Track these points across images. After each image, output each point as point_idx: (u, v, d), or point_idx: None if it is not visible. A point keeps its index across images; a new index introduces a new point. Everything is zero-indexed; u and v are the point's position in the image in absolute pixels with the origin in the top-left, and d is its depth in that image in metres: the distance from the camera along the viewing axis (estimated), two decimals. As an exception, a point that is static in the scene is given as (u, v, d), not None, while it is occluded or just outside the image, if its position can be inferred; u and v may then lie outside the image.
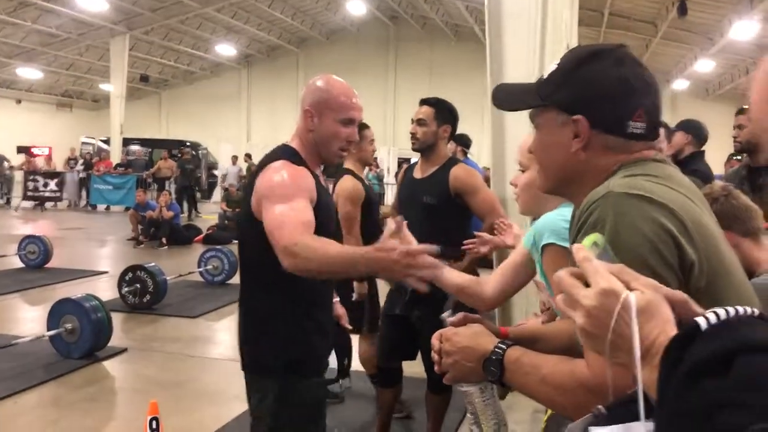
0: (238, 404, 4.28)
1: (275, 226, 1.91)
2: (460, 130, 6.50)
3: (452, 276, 1.93)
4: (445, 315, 1.37)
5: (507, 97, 1.31)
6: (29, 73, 26.55)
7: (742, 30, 15.55)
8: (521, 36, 4.42)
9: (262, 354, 2.14)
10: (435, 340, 1.31)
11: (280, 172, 2.04)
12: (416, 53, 27.73)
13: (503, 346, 1.20)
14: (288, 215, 1.93)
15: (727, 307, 0.67)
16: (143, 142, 24.20)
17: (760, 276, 1.86)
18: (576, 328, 0.81)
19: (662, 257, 0.98)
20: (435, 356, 1.29)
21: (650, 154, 1.17)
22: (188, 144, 25.16)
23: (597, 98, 1.15)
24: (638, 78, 1.16)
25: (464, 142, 6.63)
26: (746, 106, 3.98)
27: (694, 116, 4.38)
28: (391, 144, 25.42)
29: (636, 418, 0.71)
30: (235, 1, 22.44)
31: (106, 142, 23.28)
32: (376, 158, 20.96)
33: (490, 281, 1.92)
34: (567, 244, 1.48)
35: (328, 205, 2.24)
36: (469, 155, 7.02)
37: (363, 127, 4.21)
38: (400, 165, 19.66)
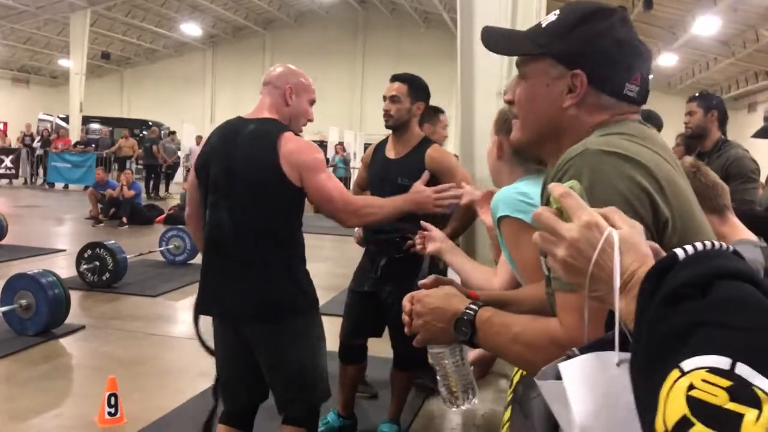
0: (202, 381, 4.21)
1: (332, 194, 2.40)
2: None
3: (466, 270, 1.89)
4: (422, 282, 1.36)
5: (499, 40, 1.27)
6: (-16, 46, 25.68)
7: (705, 25, 15.86)
8: (492, 19, 4.41)
9: (292, 299, 2.42)
10: (406, 302, 1.29)
11: (309, 144, 2.49)
12: (385, 39, 27.63)
13: (474, 307, 1.19)
14: (336, 184, 2.48)
15: (704, 241, 0.67)
16: (104, 120, 23.65)
17: None
18: (554, 263, 0.80)
19: (637, 213, 0.98)
20: (406, 318, 1.28)
21: (634, 116, 1.17)
22: (151, 123, 24.73)
23: (600, 55, 1.13)
24: (639, 42, 1.17)
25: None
26: (697, 94, 4.08)
27: (657, 109, 4.45)
28: (358, 128, 25.34)
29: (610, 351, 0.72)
30: (201, -21, 22.02)
31: (65, 119, 22.67)
32: (342, 142, 20.91)
33: (498, 273, 1.89)
34: (522, 216, 1.53)
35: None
36: None
37: (438, 111, 4.12)
38: (366, 149, 19.63)
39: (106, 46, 27.23)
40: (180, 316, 6.12)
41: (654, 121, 4.33)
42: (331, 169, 18.71)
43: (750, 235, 1.92)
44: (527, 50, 1.18)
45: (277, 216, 2.41)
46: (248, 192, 2.40)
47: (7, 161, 17.80)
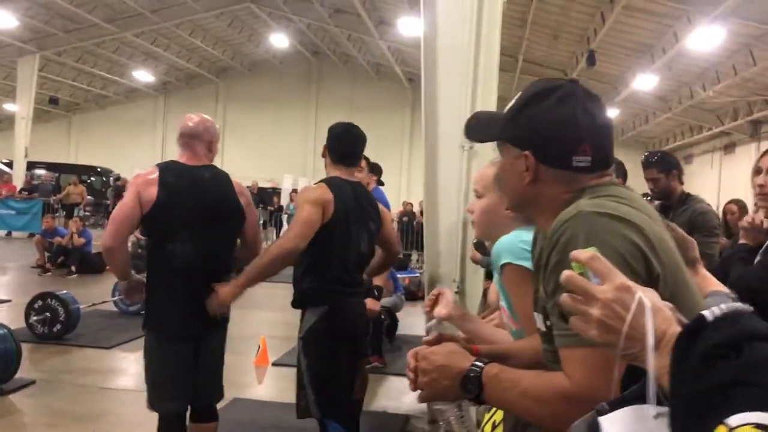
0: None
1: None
2: (383, 166, 6.65)
3: (482, 336, 1.91)
4: (429, 326, 1.39)
5: (476, 128, 1.41)
6: (-75, 89, 24.91)
7: (644, 81, 16.69)
8: (455, 75, 4.57)
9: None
10: (410, 358, 1.32)
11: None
12: (338, 89, 28.02)
13: (480, 364, 1.22)
14: None
15: (726, 303, 0.75)
16: (49, 166, 23.09)
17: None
18: (586, 323, 0.86)
19: (633, 270, 1.06)
20: (410, 374, 1.30)
21: (605, 181, 1.24)
22: (99, 170, 24.24)
23: (541, 136, 1.24)
24: (586, 113, 1.23)
25: (378, 170, 6.69)
26: (653, 159, 4.25)
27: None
28: (312, 176, 25.38)
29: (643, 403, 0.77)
30: (154, 28, 21.97)
31: (9, 164, 22.02)
32: (295, 189, 20.93)
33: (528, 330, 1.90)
34: (524, 263, 1.56)
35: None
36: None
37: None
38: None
39: (54, 91, 26.75)
40: (134, 368, 5.95)
41: (619, 169, 4.52)
42: (285, 216, 18.67)
43: (721, 287, 2.02)
44: (493, 136, 1.36)
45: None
46: (222, 226, 3.05)
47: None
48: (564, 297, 0.88)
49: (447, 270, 4.60)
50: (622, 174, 4.60)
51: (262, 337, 5.93)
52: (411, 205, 17.35)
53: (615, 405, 0.82)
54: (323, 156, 3.37)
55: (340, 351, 3.05)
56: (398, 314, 7.35)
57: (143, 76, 26.92)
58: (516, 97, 1.30)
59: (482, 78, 4.51)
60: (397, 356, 6.30)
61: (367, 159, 4.14)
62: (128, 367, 5.93)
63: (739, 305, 0.75)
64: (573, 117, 1.22)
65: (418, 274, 10.52)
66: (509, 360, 1.43)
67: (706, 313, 0.74)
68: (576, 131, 1.22)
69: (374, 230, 3.25)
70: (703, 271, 2.07)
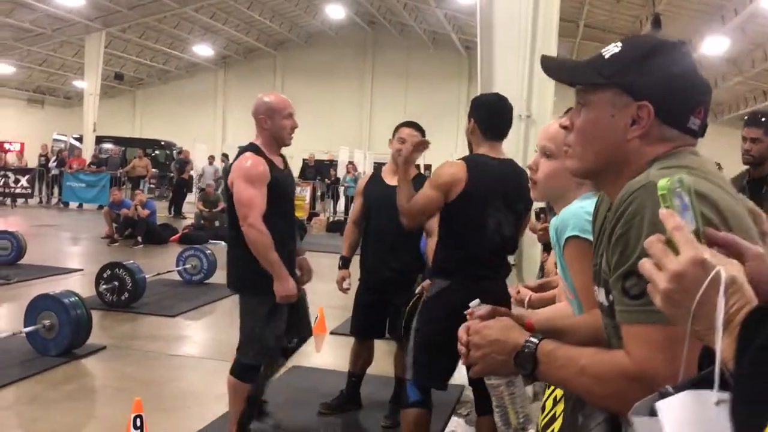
0: (219, 406, 4.25)
1: (241, 199, 3.23)
2: (435, 136, 6.60)
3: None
4: (473, 304, 1.38)
5: (561, 69, 1.27)
6: (1, 67, 26.00)
7: (714, 45, 15.92)
8: (512, 44, 4.48)
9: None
10: (462, 332, 1.30)
11: (245, 159, 3.29)
12: (394, 59, 27.81)
13: (535, 340, 1.20)
14: (251, 193, 3.23)
15: None
16: (116, 140, 23.85)
17: None
18: (655, 293, 0.82)
19: None
20: (462, 348, 1.29)
21: (691, 148, 1.18)
22: (162, 143, 24.93)
23: (668, 88, 1.14)
24: (701, 76, 1.18)
25: None
26: (763, 118, 3.71)
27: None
28: (367, 148, 25.44)
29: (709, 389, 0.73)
30: (213, 2, 22.28)
31: (79, 139, 22.90)
32: (352, 161, 21.01)
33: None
34: (589, 237, 1.45)
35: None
36: None
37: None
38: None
39: (119, 67, 27.54)
40: (197, 336, 6.18)
41: None
42: (342, 188, 18.77)
43: None
44: (593, 79, 1.17)
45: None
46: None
47: (24, 181, 17.97)
48: (641, 262, 0.85)
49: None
50: None
51: (320, 307, 6.03)
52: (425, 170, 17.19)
53: (680, 388, 0.77)
54: (469, 132, 3.09)
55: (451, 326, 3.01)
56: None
57: (203, 50, 27.37)
58: (622, 45, 1.18)
59: (540, 47, 4.40)
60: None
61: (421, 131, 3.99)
62: (191, 335, 6.16)
63: None
64: (696, 75, 1.17)
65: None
66: (565, 336, 1.40)
67: None
68: (699, 90, 1.17)
69: (523, 212, 3.09)
70: None
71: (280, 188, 3.45)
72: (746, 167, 3.72)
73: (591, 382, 1.10)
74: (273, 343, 3.35)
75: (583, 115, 1.20)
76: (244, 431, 3.44)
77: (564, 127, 1.23)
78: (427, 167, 21.48)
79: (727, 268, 0.78)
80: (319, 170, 19.62)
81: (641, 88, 1.14)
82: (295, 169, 19.45)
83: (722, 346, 0.74)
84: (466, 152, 5.12)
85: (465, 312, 1.61)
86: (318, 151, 22.24)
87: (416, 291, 3.68)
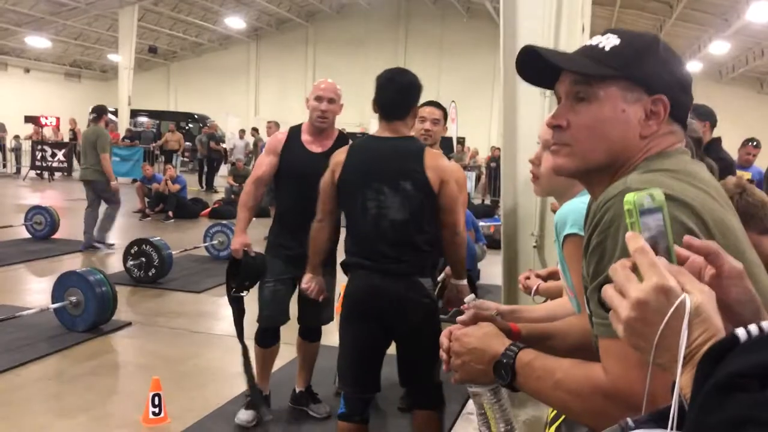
0: (241, 382, 4.28)
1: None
2: (469, 108, 6.43)
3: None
4: (468, 299, 1.33)
5: (562, 58, 1.15)
6: (38, 42, 26.43)
7: (760, 11, 15.27)
8: (536, 14, 4.31)
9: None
10: (444, 338, 1.26)
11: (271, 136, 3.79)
12: (427, 29, 27.44)
13: (515, 349, 1.15)
14: (258, 163, 3.69)
15: None
16: (151, 114, 24.13)
17: None
18: (616, 322, 0.76)
19: None
20: (443, 355, 1.25)
21: (683, 146, 1.13)
22: (196, 116, 25.14)
23: (677, 82, 1.10)
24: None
25: None
26: None
27: (707, 99, 4.28)
28: (400, 121, 25.26)
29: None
30: (245, -27, 22.22)
31: (114, 113, 23.21)
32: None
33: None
34: None
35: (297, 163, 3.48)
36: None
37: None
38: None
39: (153, 40, 27.77)
40: (222, 312, 6.22)
41: (709, 117, 4.16)
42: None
43: None
44: (602, 71, 1.08)
45: None
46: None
47: (60, 155, 18.31)
48: (604, 288, 0.79)
49: (525, 223, 4.45)
50: (716, 123, 4.24)
51: (342, 284, 6.02)
52: (499, 150, 16.89)
53: (640, 423, 0.73)
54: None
55: (349, 323, 2.93)
56: (480, 264, 7.26)
57: (235, 22, 27.38)
58: (620, 37, 1.10)
59: (566, 19, 4.23)
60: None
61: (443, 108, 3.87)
62: (216, 311, 6.21)
63: None
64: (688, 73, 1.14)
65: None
66: (552, 340, 1.34)
67: (739, 331, 0.62)
68: (691, 87, 1.13)
69: (413, 191, 2.71)
70: None
71: (287, 166, 3.49)
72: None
73: (566, 396, 1.06)
74: (266, 311, 3.62)
75: (587, 111, 1.10)
76: (253, 390, 3.70)
77: (557, 126, 1.12)
78: (460, 140, 21.28)
79: (693, 296, 0.71)
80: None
81: (656, 81, 1.08)
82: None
83: (684, 380, 0.69)
84: (501, 123, 4.95)
85: (461, 307, 1.55)
86: (350, 124, 22.14)
87: (438, 279, 3.59)
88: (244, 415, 3.67)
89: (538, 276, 2.30)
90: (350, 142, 3.41)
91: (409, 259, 2.72)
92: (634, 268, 0.76)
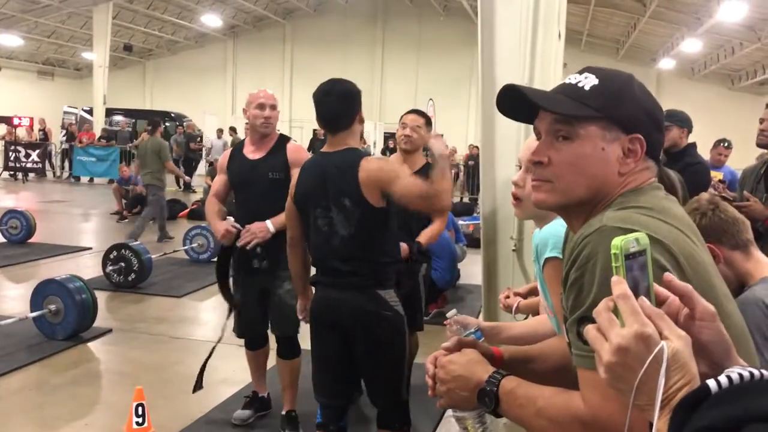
0: (225, 388, 4.31)
1: None
2: (447, 106, 6.50)
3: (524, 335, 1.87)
4: (450, 314, 1.38)
5: (546, 99, 1.17)
6: (9, 40, 25.95)
7: (731, 11, 15.54)
8: (513, 16, 4.36)
9: None
10: (429, 364, 1.31)
11: None
12: (404, 27, 27.46)
13: (498, 377, 1.20)
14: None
15: (740, 370, 0.67)
16: (127, 112, 23.84)
17: (748, 290, 1.87)
18: (598, 363, 0.81)
19: None
20: (429, 381, 1.30)
21: (656, 182, 1.19)
22: (173, 115, 24.88)
23: (651, 121, 1.16)
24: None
25: None
26: None
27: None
28: (378, 118, 25.29)
29: None
30: (221, -30, 22.03)
31: (89, 112, 22.91)
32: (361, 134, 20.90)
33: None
34: None
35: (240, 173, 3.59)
36: None
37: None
38: (386, 139, 19.45)
39: (128, 38, 27.42)
40: (204, 317, 6.23)
41: (686, 124, 4.26)
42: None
43: None
44: (583, 112, 1.13)
45: None
46: None
47: (34, 155, 18.08)
48: (587, 329, 0.84)
49: (504, 227, 4.50)
50: (692, 128, 4.35)
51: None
52: (477, 148, 16.99)
53: None
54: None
55: (316, 336, 2.97)
56: (461, 264, 7.33)
57: (211, 20, 27.14)
58: (597, 77, 1.15)
59: (542, 27, 4.28)
60: (460, 306, 6.31)
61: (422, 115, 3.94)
62: (197, 317, 6.21)
63: (758, 373, 0.67)
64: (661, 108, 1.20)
65: (482, 221, 10.38)
66: (534, 363, 1.39)
67: (711, 383, 0.67)
68: (663, 124, 1.20)
69: (351, 207, 2.67)
70: (757, 255, 1.94)
71: (232, 177, 3.66)
72: (763, 151, 3.65)
73: (547, 424, 1.11)
74: (239, 322, 3.72)
75: (569, 149, 1.15)
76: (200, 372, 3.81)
77: (538, 162, 1.17)
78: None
79: (671, 343, 0.77)
80: (329, 142, 19.35)
81: (632, 121, 1.14)
82: (304, 142, 19.42)
83: (660, 424, 0.73)
84: (479, 122, 5.03)
85: (444, 322, 1.60)
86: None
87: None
88: (241, 414, 3.81)
89: (517, 294, 2.36)
90: (290, 141, 3.65)
91: (366, 273, 2.70)
92: (616, 309, 0.81)
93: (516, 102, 1.19)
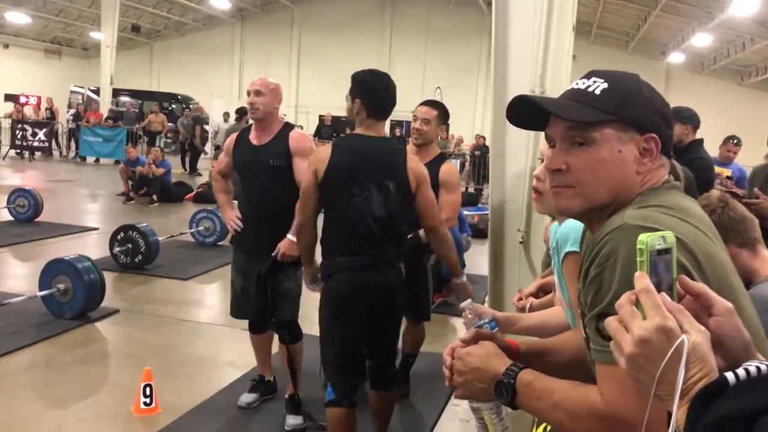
0: (231, 371, 4.35)
1: None
2: (454, 95, 6.49)
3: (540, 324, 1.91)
4: (464, 304, 1.40)
5: (561, 107, 1.17)
6: (17, 17, 25.92)
7: (743, 5, 15.43)
8: (527, 6, 4.34)
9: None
10: (447, 355, 1.33)
11: None
12: (413, 14, 27.33)
13: (515, 369, 1.22)
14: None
15: (758, 363, 0.70)
16: (133, 93, 23.83)
17: (753, 288, 1.89)
18: (619, 355, 0.83)
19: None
20: (446, 372, 1.32)
21: (674, 180, 1.21)
22: (179, 97, 24.87)
23: (664, 119, 1.18)
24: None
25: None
26: None
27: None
28: (385, 106, 25.17)
29: None
30: (230, -48, 21.91)
31: (96, 92, 22.91)
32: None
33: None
34: None
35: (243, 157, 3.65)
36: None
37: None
38: (392, 128, 19.38)
39: (136, 18, 27.36)
40: (209, 300, 6.27)
41: (691, 120, 4.26)
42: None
43: None
44: (597, 116, 1.14)
45: None
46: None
47: (41, 134, 18.09)
48: (608, 321, 0.86)
49: (512, 219, 4.52)
50: (698, 125, 4.35)
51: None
52: (483, 138, 16.96)
53: None
54: (354, 112, 2.94)
55: (333, 317, 3.04)
56: (466, 254, 7.35)
57: (220, 2, 27.06)
58: (606, 80, 1.16)
59: (556, 18, 4.27)
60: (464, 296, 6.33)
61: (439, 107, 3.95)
62: (203, 299, 6.25)
63: None
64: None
65: (487, 211, 10.40)
66: (549, 356, 1.42)
67: (729, 375, 0.70)
68: (672, 120, 1.22)
69: (394, 191, 2.85)
70: (764, 253, 1.95)
71: (236, 163, 3.72)
72: None
73: (564, 417, 1.13)
74: (237, 306, 3.78)
75: (586, 154, 1.16)
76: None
77: (557, 170, 1.18)
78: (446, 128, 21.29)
79: (691, 336, 0.79)
80: (336, 129, 19.24)
81: (646, 121, 1.16)
82: (310, 128, 19.34)
83: (679, 414, 0.75)
84: (488, 110, 5.05)
85: (459, 311, 1.63)
86: (336, 108, 22.10)
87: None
88: (246, 398, 3.85)
89: (528, 295, 2.39)
90: (294, 129, 3.62)
91: (393, 249, 2.94)
92: (638, 303, 0.83)
93: (527, 110, 1.21)
